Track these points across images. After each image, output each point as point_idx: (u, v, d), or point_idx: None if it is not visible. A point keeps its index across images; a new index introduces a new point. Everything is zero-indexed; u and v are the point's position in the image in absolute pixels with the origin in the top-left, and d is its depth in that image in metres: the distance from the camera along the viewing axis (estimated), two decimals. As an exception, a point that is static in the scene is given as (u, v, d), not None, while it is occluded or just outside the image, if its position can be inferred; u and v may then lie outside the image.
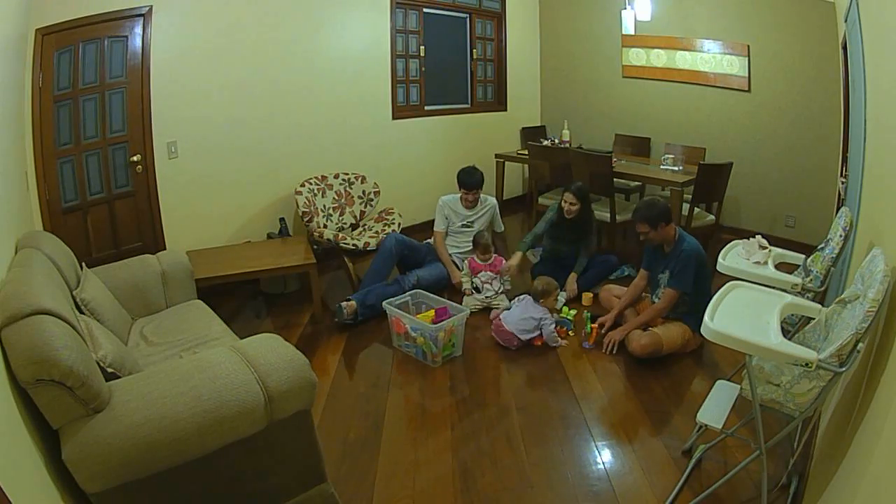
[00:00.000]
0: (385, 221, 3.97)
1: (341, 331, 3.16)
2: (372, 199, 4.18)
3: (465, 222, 3.73)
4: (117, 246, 3.25)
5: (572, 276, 3.56)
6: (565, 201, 3.52)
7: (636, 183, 4.55)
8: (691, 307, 2.81)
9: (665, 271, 2.86)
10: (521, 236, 4.95)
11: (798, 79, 4.25)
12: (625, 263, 3.99)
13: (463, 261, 3.68)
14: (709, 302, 1.63)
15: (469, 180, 3.60)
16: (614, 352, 2.85)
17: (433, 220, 3.78)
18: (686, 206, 3.89)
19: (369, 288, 3.32)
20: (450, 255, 3.69)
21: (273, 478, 1.64)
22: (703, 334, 1.50)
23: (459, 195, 3.69)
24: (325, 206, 3.96)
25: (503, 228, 3.90)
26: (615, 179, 4.09)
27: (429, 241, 3.78)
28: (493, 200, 3.81)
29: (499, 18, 5.58)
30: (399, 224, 3.95)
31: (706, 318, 1.52)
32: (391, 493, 1.94)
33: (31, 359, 1.24)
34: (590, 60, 5.65)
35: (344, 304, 3.14)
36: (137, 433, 1.33)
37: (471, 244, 3.71)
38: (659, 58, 5.07)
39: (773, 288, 1.81)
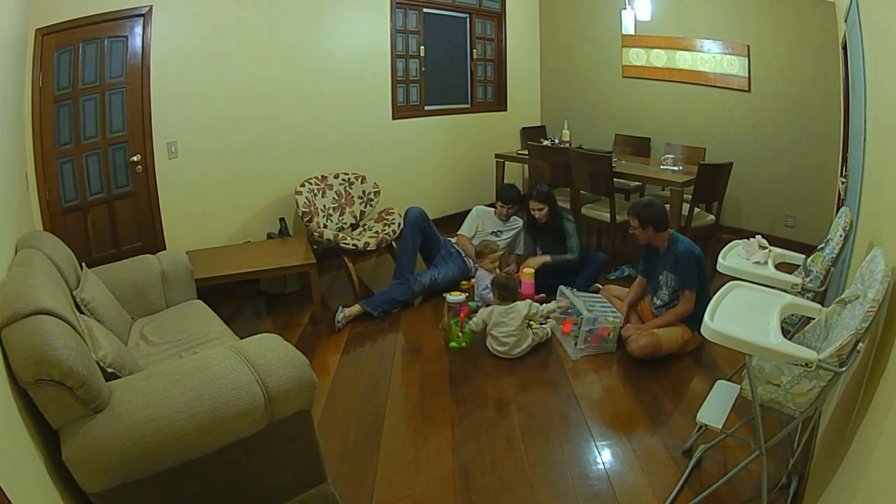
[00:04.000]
0: (385, 221, 3.97)
1: (341, 331, 3.16)
2: (372, 199, 4.18)
3: (494, 230, 3.84)
4: (117, 246, 3.25)
5: (540, 257, 3.56)
6: (532, 209, 3.61)
7: (636, 183, 4.54)
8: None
9: (664, 272, 2.86)
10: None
11: (798, 79, 4.24)
12: (624, 264, 3.99)
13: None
14: (707, 303, 1.63)
15: (506, 195, 3.77)
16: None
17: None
18: (686, 206, 3.89)
19: (377, 295, 3.37)
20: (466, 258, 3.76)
21: (273, 478, 1.64)
22: (703, 334, 1.50)
23: (495, 209, 3.85)
24: (325, 206, 3.96)
25: (524, 252, 3.94)
26: (615, 179, 4.09)
27: (448, 238, 3.83)
28: (521, 221, 3.92)
29: (499, 18, 5.58)
30: (399, 224, 3.94)
31: (706, 318, 1.52)
32: (391, 493, 1.94)
33: (31, 359, 1.24)
34: (590, 60, 5.64)
35: (346, 311, 3.19)
36: (137, 433, 1.32)
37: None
38: (659, 58, 5.07)
39: (773, 288, 1.81)
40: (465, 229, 3.85)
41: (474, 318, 2.96)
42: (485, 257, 3.41)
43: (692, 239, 2.94)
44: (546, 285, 3.46)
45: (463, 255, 3.77)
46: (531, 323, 2.93)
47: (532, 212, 3.61)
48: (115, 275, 2.52)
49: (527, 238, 3.84)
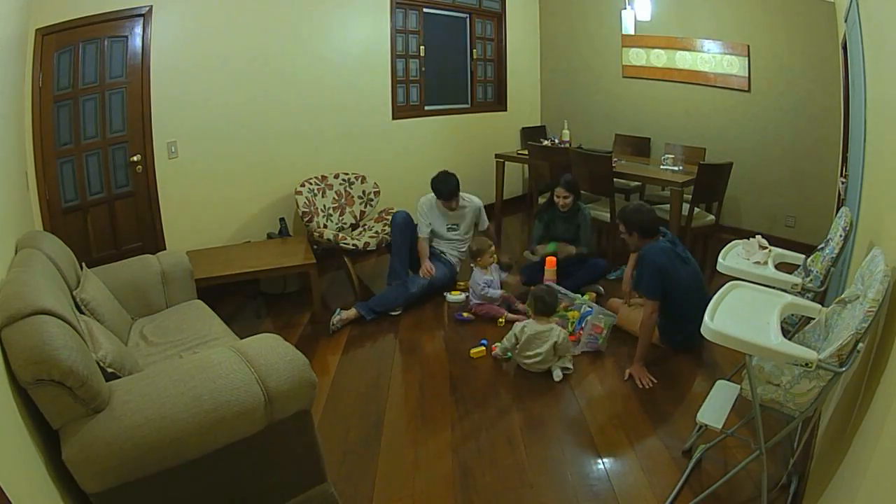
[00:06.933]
0: (385, 221, 3.97)
1: (341, 331, 3.16)
2: (372, 199, 4.18)
3: (449, 224, 3.68)
4: (117, 246, 3.25)
5: (567, 247, 3.54)
6: (558, 196, 3.58)
7: (636, 183, 4.55)
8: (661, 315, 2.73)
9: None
10: (521, 236, 5.00)
11: (798, 79, 4.24)
12: (624, 264, 3.98)
13: (460, 261, 3.70)
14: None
15: (443, 188, 3.50)
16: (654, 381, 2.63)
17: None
18: (686, 206, 3.89)
19: (373, 297, 3.36)
20: (447, 258, 3.68)
21: (273, 478, 1.64)
22: (703, 334, 1.50)
23: (441, 203, 3.62)
24: (325, 206, 3.96)
25: (487, 225, 3.84)
26: (615, 179, 4.09)
27: None
28: (477, 201, 3.74)
29: (499, 18, 5.58)
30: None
31: (706, 317, 1.52)
32: (391, 493, 1.94)
33: (31, 359, 1.24)
34: (590, 60, 5.64)
35: (343, 314, 3.18)
36: (137, 433, 1.33)
37: (462, 243, 3.72)
38: (659, 58, 5.07)
39: (773, 288, 1.81)
40: (422, 229, 3.61)
41: (504, 340, 2.76)
42: (483, 254, 3.32)
43: (692, 239, 2.94)
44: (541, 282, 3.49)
45: (444, 256, 3.68)
46: (560, 356, 2.69)
47: (557, 199, 3.58)
48: (115, 275, 2.52)
49: (537, 224, 3.75)
